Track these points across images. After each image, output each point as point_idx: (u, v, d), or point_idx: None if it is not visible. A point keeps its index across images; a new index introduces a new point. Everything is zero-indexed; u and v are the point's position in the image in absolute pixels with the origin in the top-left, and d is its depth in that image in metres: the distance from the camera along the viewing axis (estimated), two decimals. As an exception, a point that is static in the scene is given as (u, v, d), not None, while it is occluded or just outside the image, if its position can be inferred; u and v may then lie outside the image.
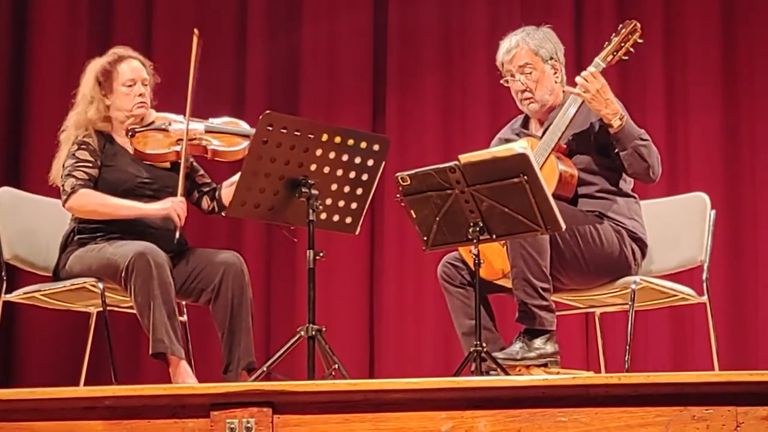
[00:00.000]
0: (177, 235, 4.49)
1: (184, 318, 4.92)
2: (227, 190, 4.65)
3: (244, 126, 4.67)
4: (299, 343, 4.19)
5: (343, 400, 3.25)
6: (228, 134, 4.60)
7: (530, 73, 4.58)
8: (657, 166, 4.48)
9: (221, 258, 4.59)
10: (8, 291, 4.74)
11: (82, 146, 4.61)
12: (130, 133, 4.61)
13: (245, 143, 4.56)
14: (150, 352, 4.34)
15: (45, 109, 6.37)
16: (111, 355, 4.53)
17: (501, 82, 4.65)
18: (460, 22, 6.47)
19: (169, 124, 4.64)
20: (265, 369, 4.18)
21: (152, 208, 4.51)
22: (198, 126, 4.61)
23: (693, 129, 6.18)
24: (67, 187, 4.54)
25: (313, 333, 4.13)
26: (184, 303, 4.85)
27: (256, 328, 4.60)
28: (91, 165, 4.58)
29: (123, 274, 4.36)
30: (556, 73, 4.61)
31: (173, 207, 4.48)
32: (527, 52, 4.59)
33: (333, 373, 4.14)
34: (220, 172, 4.87)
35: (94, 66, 4.70)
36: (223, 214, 4.69)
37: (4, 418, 3.37)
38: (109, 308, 4.56)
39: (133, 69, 4.66)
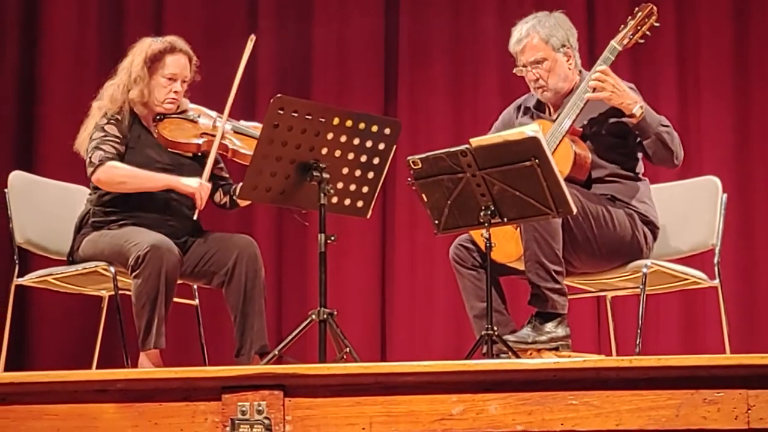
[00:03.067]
0: (195, 216, 4.51)
1: (196, 302, 4.93)
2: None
3: None
4: (310, 327, 4.19)
5: (354, 383, 3.25)
6: (252, 138, 4.60)
7: (542, 64, 4.56)
8: (680, 151, 4.47)
9: (235, 241, 4.60)
10: (21, 275, 4.75)
11: (112, 121, 4.60)
12: (158, 117, 4.62)
13: None
14: (153, 345, 4.34)
15: (56, 93, 6.39)
16: (123, 339, 4.55)
17: (514, 71, 4.62)
18: (471, 4, 6.46)
19: (199, 116, 4.66)
20: (276, 352, 4.19)
21: (182, 182, 4.52)
22: (226, 125, 4.61)
23: (705, 112, 6.17)
24: (94, 159, 4.53)
25: (325, 316, 4.13)
26: (195, 286, 4.86)
27: (267, 312, 4.60)
28: (119, 141, 4.59)
29: (133, 263, 4.36)
30: (569, 59, 4.59)
31: (200, 188, 4.50)
32: (538, 41, 4.57)
33: (344, 357, 4.15)
34: (236, 172, 4.87)
35: (146, 47, 4.68)
36: (235, 199, 4.71)
37: (17, 400, 3.38)
38: (120, 292, 4.58)
39: (178, 64, 4.66)
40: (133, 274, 4.37)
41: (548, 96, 4.60)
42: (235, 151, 4.62)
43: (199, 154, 4.63)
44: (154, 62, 4.64)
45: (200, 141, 4.61)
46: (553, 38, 4.57)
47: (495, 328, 4.11)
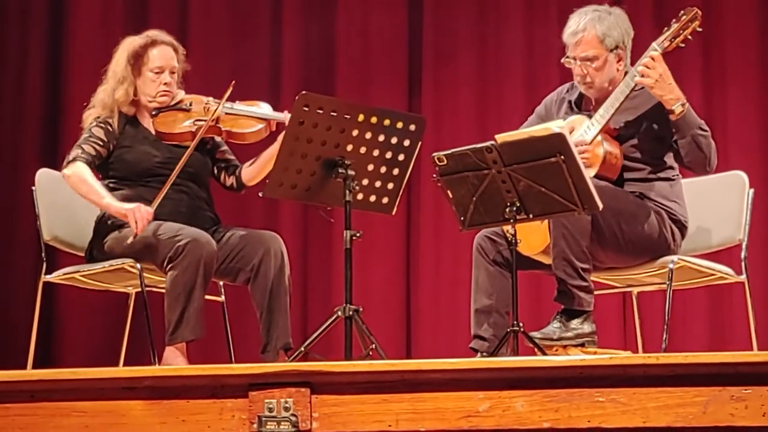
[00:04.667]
0: (129, 241, 4.44)
1: (222, 298, 4.95)
2: (247, 170, 4.70)
3: (264, 108, 4.66)
4: (336, 324, 4.20)
5: (380, 381, 3.26)
6: (246, 117, 4.61)
7: (592, 63, 4.51)
8: (714, 158, 4.43)
9: (261, 238, 4.61)
10: (48, 272, 4.77)
11: (101, 124, 4.63)
12: (153, 113, 4.64)
13: (260, 126, 4.58)
14: (188, 337, 4.37)
15: (82, 90, 6.34)
16: (150, 335, 4.56)
17: (562, 61, 4.56)
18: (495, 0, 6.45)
19: (191, 104, 4.66)
20: (302, 349, 4.20)
21: (115, 206, 4.48)
22: (219, 108, 4.60)
23: (731, 108, 6.14)
24: (70, 155, 4.58)
25: (351, 313, 4.14)
26: (221, 283, 4.88)
27: (292, 309, 4.61)
28: (101, 144, 4.60)
29: (172, 254, 4.36)
30: (619, 61, 4.53)
31: (134, 211, 4.41)
32: (593, 38, 4.49)
33: (370, 353, 4.15)
34: (242, 154, 4.88)
35: (128, 45, 4.70)
36: (246, 186, 4.74)
37: (45, 398, 3.40)
38: (147, 288, 4.59)
39: (163, 56, 4.67)
40: (170, 265, 4.38)
41: (592, 93, 4.55)
42: (229, 132, 4.62)
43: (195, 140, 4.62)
44: (137, 59, 4.65)
45: (193, 128, 4.61)
46: (608, 38, 4.50)
47: (521, 324, 4.10)
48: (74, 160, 4.55)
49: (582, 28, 4.52)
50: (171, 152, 4.63)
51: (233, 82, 4.59)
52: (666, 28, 4.47)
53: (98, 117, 4.65)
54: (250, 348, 4.86)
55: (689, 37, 4.46)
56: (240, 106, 4.66)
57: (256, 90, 5.04)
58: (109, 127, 4.63)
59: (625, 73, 4.53)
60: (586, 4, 4.66)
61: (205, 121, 4.59)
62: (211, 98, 4.68)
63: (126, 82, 4.64)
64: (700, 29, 4.47)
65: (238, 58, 6.49)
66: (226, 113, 4.62)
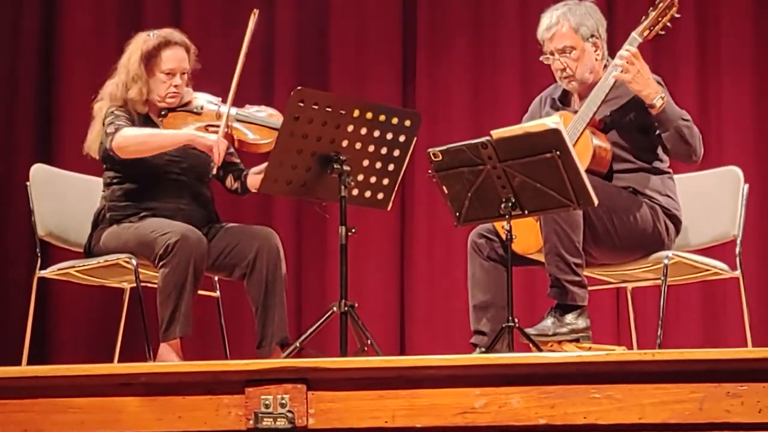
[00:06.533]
0: (214, 171, 4.51)
1: (217, 293, 4.95)
2: (253, 177, 4.66)
3: (278, 117, 4.60)
4: (331, 319, 4.20)
5: (377, 377, 3.26)
6: (257, 124, 4.60)
7: (570, 53, 4.54)
8: (699, 147, 4.44)
9: (255, 233, 4.61)
10: (43, 267, 4.77)
11: (121, 109, 4.60)
12: (162, 113, 4.63)
13: (272, 138, 4.54)
14: (178, 334, 4.37)
15: (75, 85, 6.40)
16: (145, 331, 4.56)
17: (541, 59, 4.61)
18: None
19: (202, 107, 4.64)
20: (298, 345, 4.20)
21: (198, 137, 4.50)
22: (231, 112, 4.57)
23: (725, 102, 6.14)
24: (110, 129, 4.53)
25: (346, 309, 4.14)
26: (216, 278, 4.88)
27: (287, 304, 4.61)
28: (131, 122, 4.60)
29: (162, 252, 4.37)
30: (596, 50, 4.57)
31: (218, 142, 4.46)
32: (568, 29, 4.54)
33: (366, 349, 4.16)
34: (248, 158, 4.87)
35: (142, 44, 4.66)
36: (246, 184, 4.72)
37: (41, 394, 3.40)
38: (142, 284, 4.59)
39: (176, 58, 4.64)
40: (161, 263, 4.39)
41: (574, 86, 4.58)
42: (242, 141, 4.60)
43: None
44: (150, 59, 4.63)
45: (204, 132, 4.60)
46: (583, 27, 4.55)
47: (516, 320, 4.11)
48: (117, 130, 4.51)
49: (555, 22, 4.56)
50: (180, 150, 4.61)
51: (233, 87, 4.55)
52: (644, 17, 4.50)
53: (114, 106, 4.62)
54: (245, 343, 4.86)
55: (668, 24, 4.49)
56: (252, 113, 4.63)
57: (248, 82, 5.01)
58: (129, 116, 4.61)
59: (605, 65, 4.55)
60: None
61: (215, 126, 4.57)
62: (220, 100, 4.66)
63: (140, 81, 4.61)
64: (678, 15, 4.49)
65: (233, 45, 6.50)
66: (238, 120, 4.60)
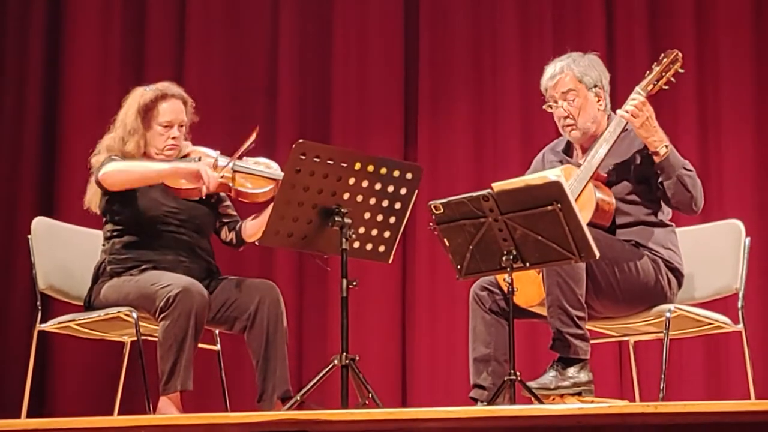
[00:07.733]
0: (203, 194, 4.49)
1: (218, 347, 4.93)
2: (251, 224, 4.67)
3: (274, 168, 4.64)
4: (332, 372, 4.18)
5: (378, 430, 3.24)
6: (255, 176, 4.61)
7: (573, 100, 4.57)
8: (700, 197, 4.46)
9: (256, 286, 4.60)
10: (43, 321, 4.75)
11: (117, 156, 4.60)
12: None
13: (269, 186, 4.56)
14: (179, 387, 4.34)
15: (78, 138, 6.41)
16: (145, 384, 4.53)
17: (544, 107, 4.64)
18: (491, 47, 6.47)
19: (199, 160, 4.65)
20: (298, 398, 4.18)
21: (183, 164, 4.50)
22: (229, 165, 4.58)
23: (726, 155, 6.15)
24: (98, 162, 4.56)
25: (347, 362, 4.12)
26: (217, 332, 4.86)
27: (288, 357, 4.59)
28: None
29: (162, 304, 4.36)
30: (599, 101, 4.60)
31: (204, 167, 4.45)
32: (571, 78, 4.58)
33: (367, 402, 4.13)
34: (244, 209, 4.87)
35: (138, 97, 4.69)
36: (245, 242, 4.72)
37: (40, 447, 3.39)
38: (143, 337, 4.57)
39: (173, 110, 4.67)
40: (162, 315, 4.37)
41: (576, 135, 4.60)
42: (239, 191, 4.60)
43: (204, 198, 4.62)
44: (147, 112, 4.65)
45: (202, 186, 4.60)
46: (586, 77, 4.59)
47: (518, 373, 4.09)
48: (104, 163, 4.53)
49: (560, 71, 4.61)
50: (180, 203, 4.63)
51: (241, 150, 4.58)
52: (648, 72, 4.54)
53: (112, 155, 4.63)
54: (246, 397, 4.83)
55: (672, 79, 4.52)
56: (249, 165, 4.65)
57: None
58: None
59: (608, 117, 4.57)
60: (581, 50, 4.71)
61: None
62: (218, 153, 4.67)
63: (137, 135, 4.63)
64: (682, 70, 4.51)
65: (235, 108, 6.53)
66: (236, 171, 4.61)
